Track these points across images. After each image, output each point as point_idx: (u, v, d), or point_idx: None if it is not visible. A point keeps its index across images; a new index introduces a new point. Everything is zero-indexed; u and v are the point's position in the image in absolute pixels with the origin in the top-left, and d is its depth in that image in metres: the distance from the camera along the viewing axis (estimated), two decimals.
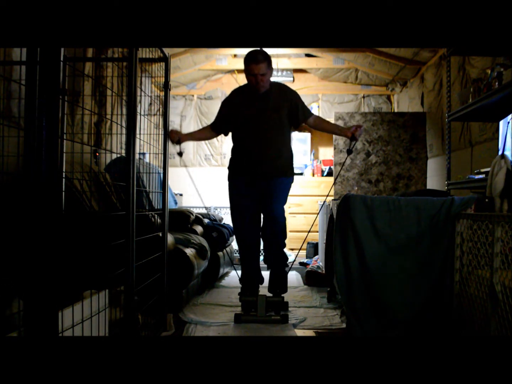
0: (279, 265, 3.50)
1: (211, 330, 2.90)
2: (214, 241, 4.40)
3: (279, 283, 3.48)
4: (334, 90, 7.38)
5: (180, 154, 3.31)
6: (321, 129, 3.55)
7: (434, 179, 5.62)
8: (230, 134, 3.54)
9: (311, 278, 4.50)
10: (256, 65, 3.15)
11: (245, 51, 6.28)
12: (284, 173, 3.39)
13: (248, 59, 3.21)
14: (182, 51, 6.14)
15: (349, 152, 3.28)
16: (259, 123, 3.29)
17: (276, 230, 3.37)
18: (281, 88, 3.40)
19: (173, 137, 3.21)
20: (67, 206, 1.57)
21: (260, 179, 3.34)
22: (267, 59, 3.19)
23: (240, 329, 2.95)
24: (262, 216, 3.47)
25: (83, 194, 3.15)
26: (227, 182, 3.51)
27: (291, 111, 3.34)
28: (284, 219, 3.44)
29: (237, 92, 3.47)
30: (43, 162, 1.33)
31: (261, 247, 3.58)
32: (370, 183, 5.93)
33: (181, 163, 6.43)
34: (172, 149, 3.20)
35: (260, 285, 3.55)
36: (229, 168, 3.52)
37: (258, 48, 3.28)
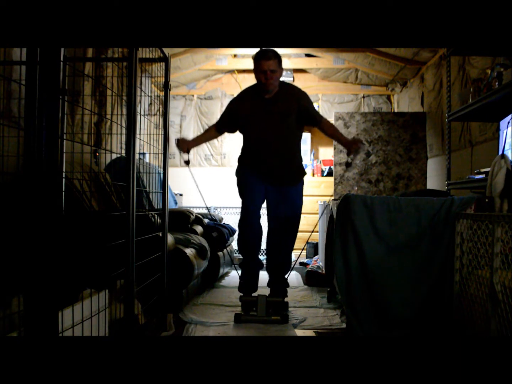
0: (280, 273, 3.45)
1: (211, 330, 2.90)
2: (214, 241, 4.40)
3: (279, 289, 3.45)
4: (334, 90, 7.38)
5: (187, 162, 3.30)
6: (329, 135, 3.44)
7: (434, 179, 5.62)
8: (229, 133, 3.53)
9: (311, 278, 4.51)
10: (267, 61, 3.12)
11: (245, 51, 6.32)
12: (294, 181, 3.38)
13: (258, 55, 3.18)
14: (182, 51, 6.14)
15: (347, 165, 3.28)
16: (268, 129, 3.24)
17: (286, 236, 3.36)
18: (291, 90, 3.34)
19: (183, 147, 3.23)
20: (67, 206, 1.57)
21: (270, 185, 3.33)
22: (278, 57, 3.18)
23: (240, 329, 2.95)
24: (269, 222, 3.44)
25: (83, 194, 3.15)
26: (228, 181, 3.50)
27: (301, 115, 3.29)
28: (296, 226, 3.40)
29: (246, 94, 3.39)
30: (43, 162, 1.33)
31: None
32: (370, 183, 5.93)
33: (181, 163, 6.43)
34: (173, 149, 3.19)
35: (259, 286, 3.54)
36: (239, 161, 3.46)
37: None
